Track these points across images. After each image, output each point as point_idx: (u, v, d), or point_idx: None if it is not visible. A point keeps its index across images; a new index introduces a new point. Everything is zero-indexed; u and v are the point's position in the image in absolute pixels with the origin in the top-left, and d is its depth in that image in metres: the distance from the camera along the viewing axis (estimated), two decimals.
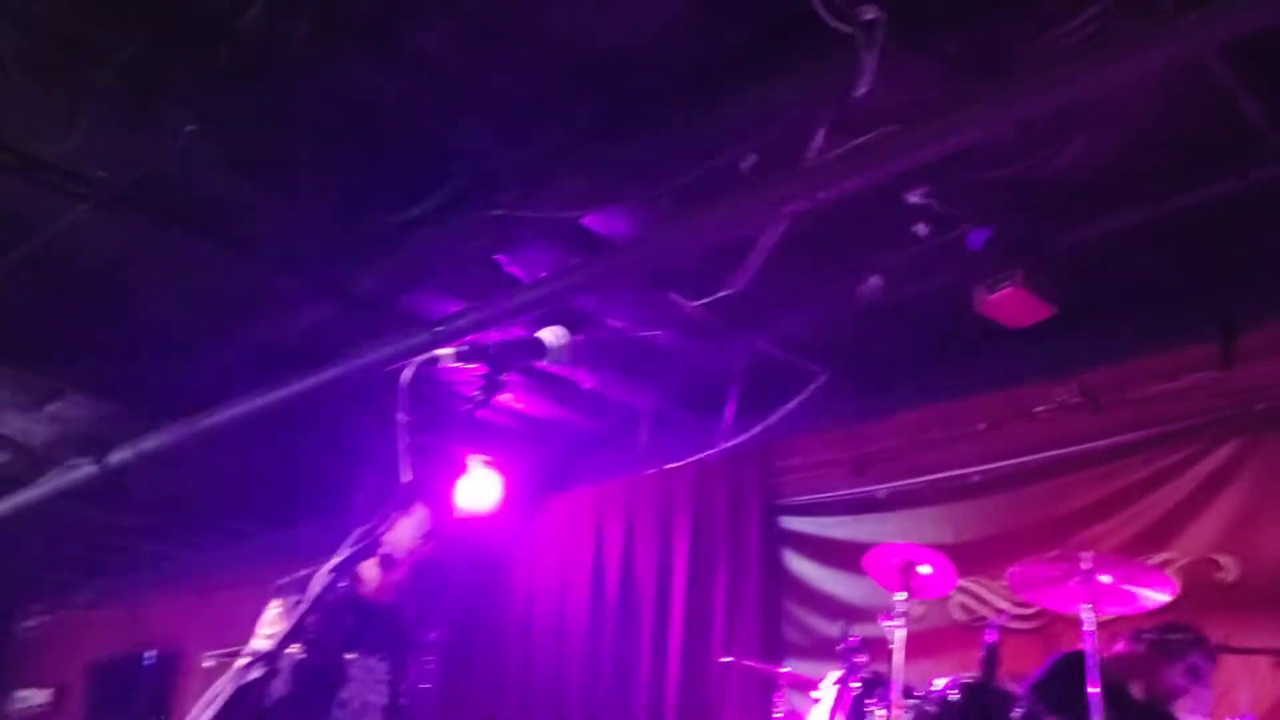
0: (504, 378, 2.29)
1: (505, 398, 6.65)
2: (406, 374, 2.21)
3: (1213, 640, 4.45)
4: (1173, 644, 4.53)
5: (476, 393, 2.30)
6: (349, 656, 3.31)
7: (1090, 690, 3.85)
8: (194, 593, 9.63)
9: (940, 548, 4.68)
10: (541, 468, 7.37)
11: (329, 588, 2.19)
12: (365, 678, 3.32)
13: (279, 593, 3.36)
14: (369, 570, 3.40)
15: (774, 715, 4.91)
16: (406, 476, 2.19)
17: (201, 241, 5.14)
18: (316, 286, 5.49)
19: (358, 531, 2.25)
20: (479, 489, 7.13)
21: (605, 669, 6.86)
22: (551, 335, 2.38)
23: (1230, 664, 4.42)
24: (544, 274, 5.03)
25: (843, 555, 6.22)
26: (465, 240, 4.98)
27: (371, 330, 5.51)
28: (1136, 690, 4.36)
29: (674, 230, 4.56)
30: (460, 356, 2.26)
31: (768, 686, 5.37)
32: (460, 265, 5.25)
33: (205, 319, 5.92)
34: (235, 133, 4.40)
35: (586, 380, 6.52)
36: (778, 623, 6.53)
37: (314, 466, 7.20)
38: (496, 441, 7.23)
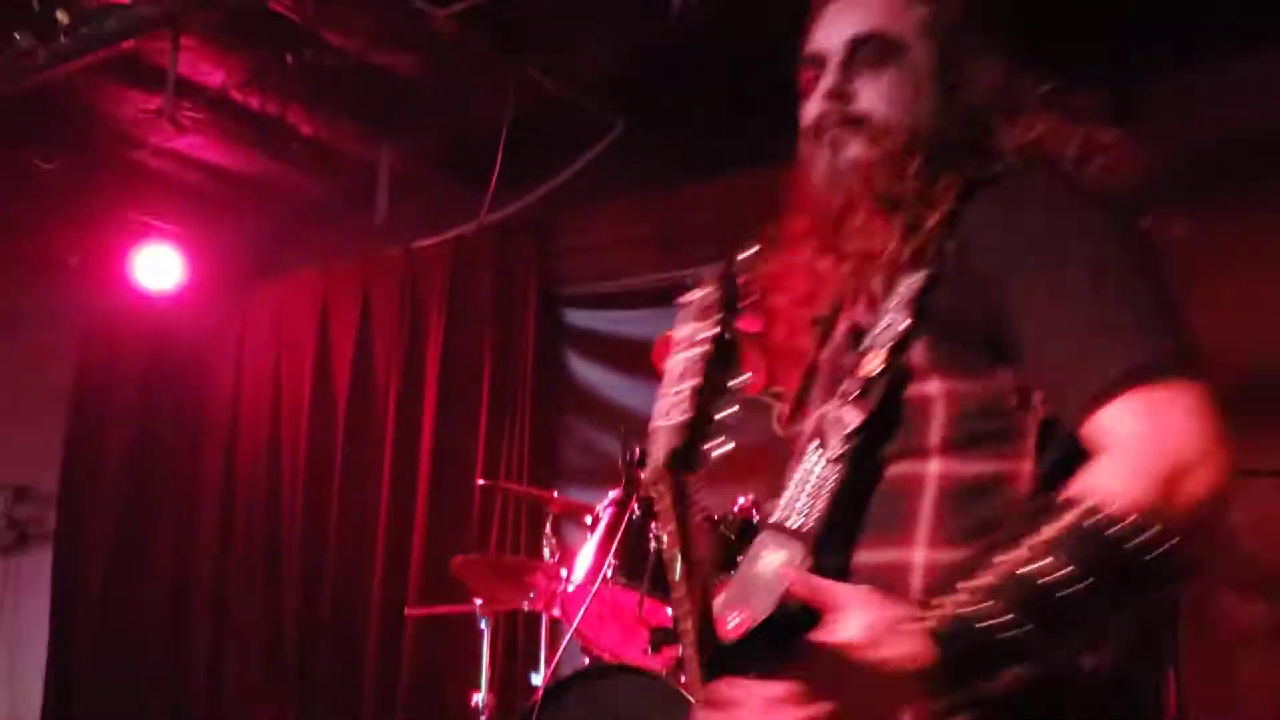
0: None
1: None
2: None
3: None
4: None
5: None
6: None
7: None
8: None
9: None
10: (247, 241, 5.86)
11: None
12: None
13: None
14: None
15: (543, 548, 3.92)
16: None
17: None
18: None
19: None
20: (159, 264, 5.57)
21: (334, 496, 5.60)
22: None
23: None
24: None
25: (640, 358, 4.99)
26: None
27: None
28: None
29: None
30: None
31: (536, 515, 4.48)
32: None
33: None
34: None
35: (305, 122, 4.89)
36: (554, 440, 5.37)
37: None
38: (184, 205, 5.63)
